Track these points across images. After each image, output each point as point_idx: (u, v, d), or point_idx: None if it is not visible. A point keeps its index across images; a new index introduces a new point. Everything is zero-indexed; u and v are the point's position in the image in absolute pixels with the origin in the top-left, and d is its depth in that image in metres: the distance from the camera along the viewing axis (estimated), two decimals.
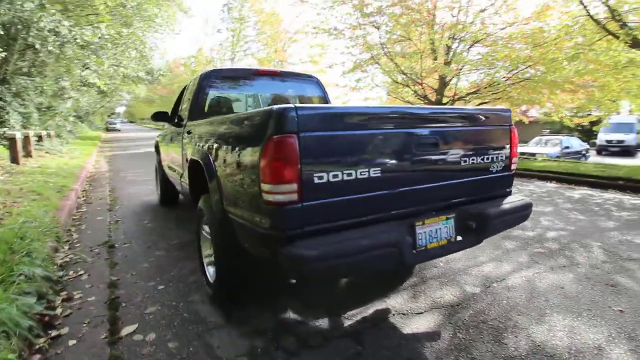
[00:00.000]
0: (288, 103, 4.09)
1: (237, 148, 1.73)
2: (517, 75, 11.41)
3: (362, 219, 1.67)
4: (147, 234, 3.96)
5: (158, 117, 4.29)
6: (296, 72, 3.80)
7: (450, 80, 13.81)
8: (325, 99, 3.94)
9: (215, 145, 2.05)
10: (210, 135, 2.20)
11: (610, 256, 3.18)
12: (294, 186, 1.47)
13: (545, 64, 9.84)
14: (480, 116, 2.11)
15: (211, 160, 2.07)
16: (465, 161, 2.02)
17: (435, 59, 13.39)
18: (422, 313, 2.29)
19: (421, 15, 12.08)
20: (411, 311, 2.31)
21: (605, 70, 9.52)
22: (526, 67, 11.23)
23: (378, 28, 11.90)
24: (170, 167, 4.00)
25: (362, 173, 1.63)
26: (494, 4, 12.11)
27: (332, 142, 1.57)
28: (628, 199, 5.60)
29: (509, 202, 2.15)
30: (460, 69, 12.87)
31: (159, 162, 4.99)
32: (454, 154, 1.97)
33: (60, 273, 2.86)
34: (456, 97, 13.27)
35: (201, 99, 3.25)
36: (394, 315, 2.27)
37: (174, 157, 3.73)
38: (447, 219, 1.91)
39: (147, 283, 2.77)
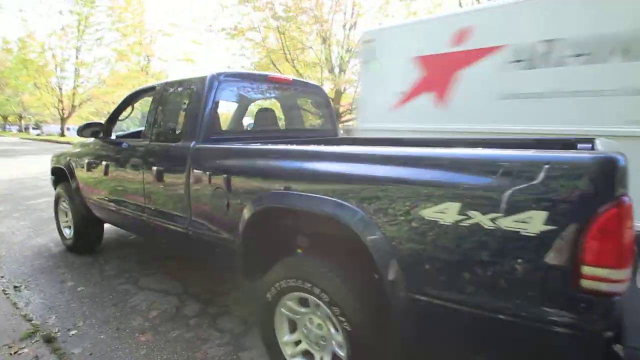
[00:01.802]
0: (299, 114, 3.38)
1: (497, 209, 1.12)
2: None
3: None
4: (94, 306, 2.65)
5: (95, 131, 3.02)
6: (304, 80, 3.14)
7: (345, 90, 14.49)
8: (331, 110, 3.40)
9: (394, 202, 1.33)
10: (377, 180, 1.40)
11: None
12: (629, 270, 1.04)
13: None
14: None
15: (377, 225, 1.36)
16: None
17: (332, 70, 13.83)
18: None
19: (322, 27, 12.25)
20: None
21: None
22: None
23: (283, 33, 11.51)
24: (126, 204, 2.79)
25: None
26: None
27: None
28: None
29: None
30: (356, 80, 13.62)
31: (75, 191, 3.48)
32: None
33: None
34: (353, 107, 14.00)
35: (213, 111, 2.32)
36: None
37: (142, 190, 2.59)
38: None
39: None
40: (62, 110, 27.84)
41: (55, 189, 3.91)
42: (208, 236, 2.14)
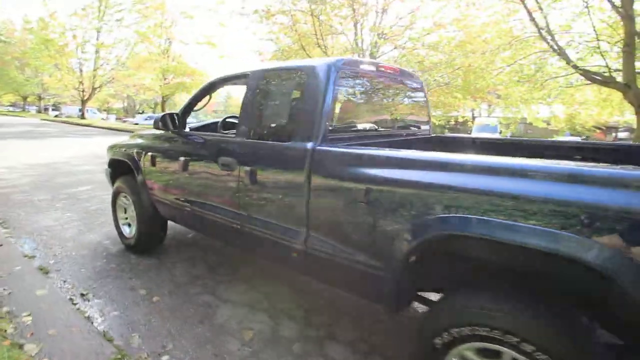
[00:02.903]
0: (407, 109, 2.99)
1: None
2: (443, 80, 12.15)
3: None
4: (179, 323, 2.34)
5: (169, 123, 2.68)
6: (408, 71, 2.74)
7: None
8: (428, 103, 3.01)
9: None
10: None
11: None
12: None
13: (476, 72, 10.63)
14: None
15: None
16: None
17: (362, 56, 13.30)
18: None
19: (355, 12, 11.66)
20: None
21: (513, 83, 10.86)
22: (453, 71, 12.00)
23: (318, 17, 10.97)
24: (213, 208, 2.46)
25: None
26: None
27: None
28: None
29: None
30: None
31: (142, 186, 3.16)
32: None
33: None
34: None
35: (332, 107, 1.95)
36: None
37: (236, 194, 2.25)
38: None
39: None
40: (83, 92, 27.72)
41: (111, 182, 3.59)
42: (335, 256, 1.79)
